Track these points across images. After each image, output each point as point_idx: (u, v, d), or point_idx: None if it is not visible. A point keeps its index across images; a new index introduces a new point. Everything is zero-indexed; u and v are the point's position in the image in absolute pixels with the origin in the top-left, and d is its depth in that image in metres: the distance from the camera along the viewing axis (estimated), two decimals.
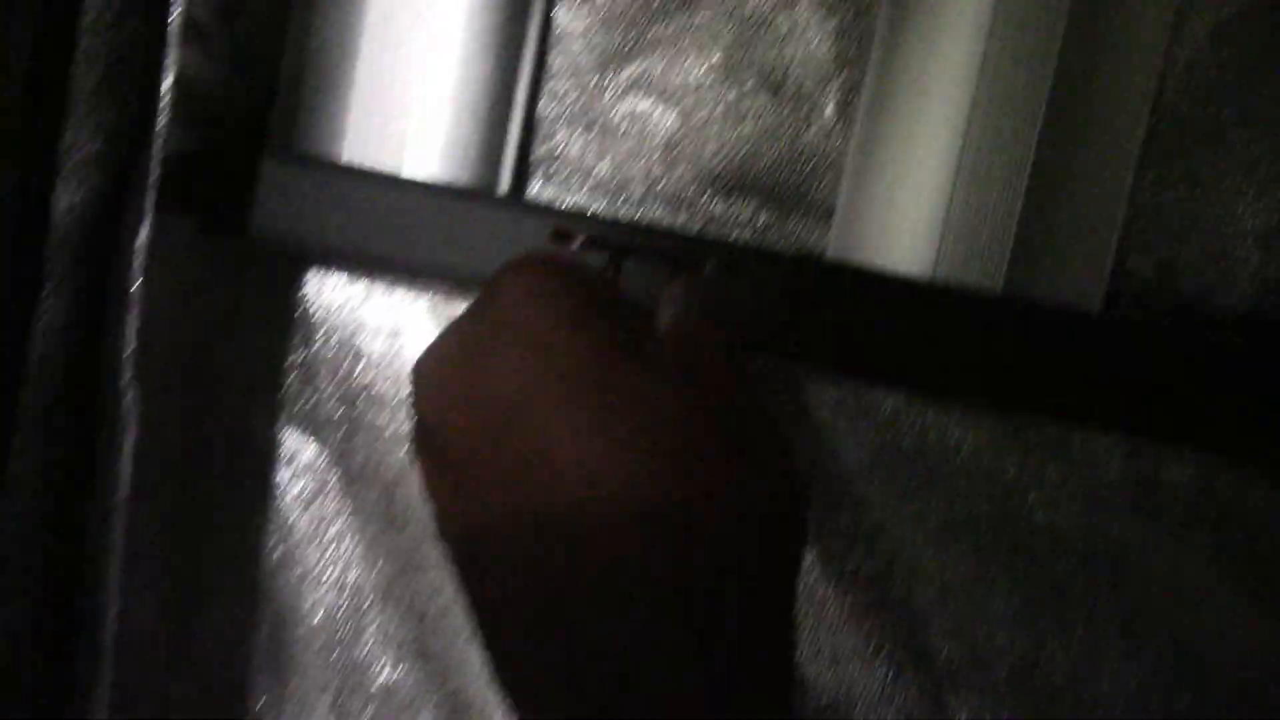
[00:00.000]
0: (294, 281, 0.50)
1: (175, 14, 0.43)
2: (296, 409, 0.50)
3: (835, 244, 0.43)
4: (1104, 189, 0.41)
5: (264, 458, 0.51)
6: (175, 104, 0.44)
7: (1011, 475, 0.44)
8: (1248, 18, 0.41)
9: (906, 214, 0.42)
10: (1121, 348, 0.39)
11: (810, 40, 0.44)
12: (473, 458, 0.29)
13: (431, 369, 0.31)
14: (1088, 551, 0.43)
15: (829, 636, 0.46)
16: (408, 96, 0.45)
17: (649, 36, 0.45)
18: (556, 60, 0.46)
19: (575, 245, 0.42)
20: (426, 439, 0.31)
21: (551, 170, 0.47)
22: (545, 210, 0.44)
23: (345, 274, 0.49)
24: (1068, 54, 0.40)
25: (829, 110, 0.44)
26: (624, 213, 0.46)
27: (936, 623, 0.45)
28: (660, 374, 0.29)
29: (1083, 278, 0.41)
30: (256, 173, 0.44)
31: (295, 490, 0.51)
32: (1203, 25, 0.41)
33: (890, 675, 0.46)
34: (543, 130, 0.46)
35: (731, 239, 0.45)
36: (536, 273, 0.31)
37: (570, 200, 0.46)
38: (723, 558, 0.27)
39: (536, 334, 0.29)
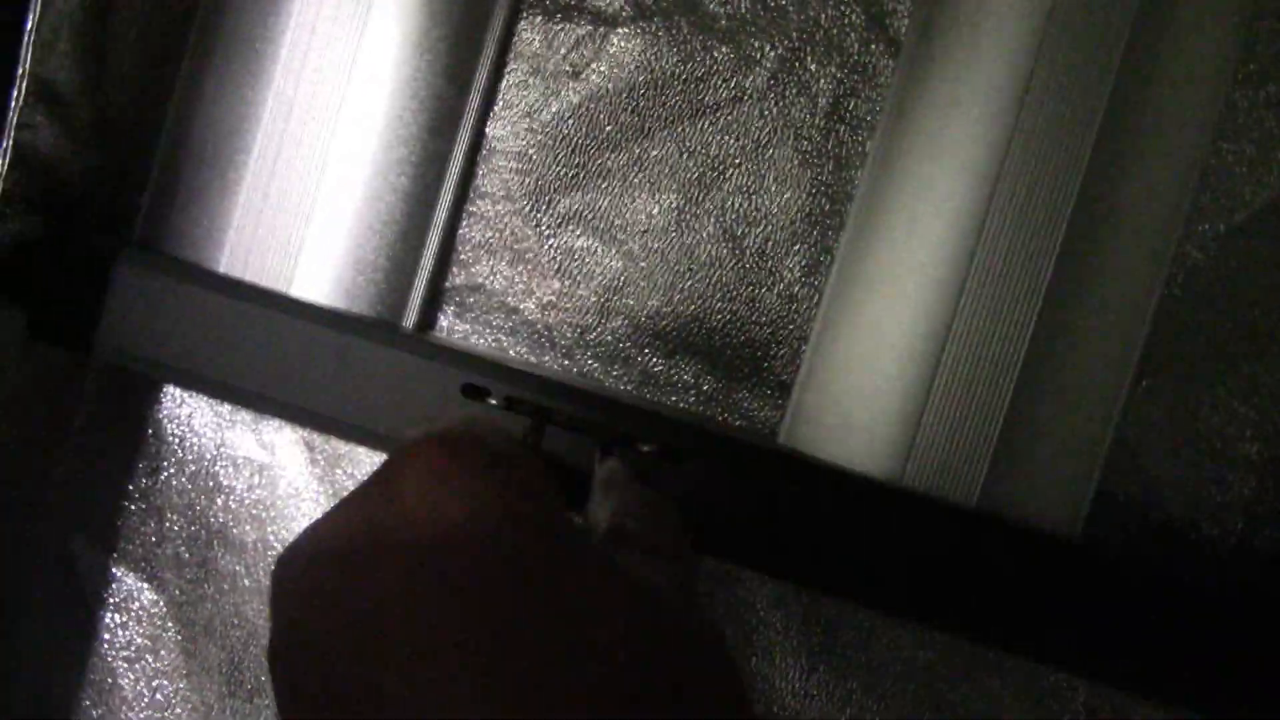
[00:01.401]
0: (144, 396, 0.42)
1: (20, 69, 0.35)
2: (134, 546, 0.42)
3: (788, 428, 0.38)
4: (1095, 400, 0.36)
5: (91, 599, 0.42)
6: (14, 180, 0.36)
7: (959, 695, 0.39)
8: (1260, 221, 0.37)
9: (873, 405, 0.36)
10: (1098, 583, 0.35)
11: (781, 192, 0.38)
12: (338, 695, 0.22)
13: (300, 571, 0.24)
14: None
15: None
16: (306, 204, 0.38)
17: (596, 165, 0.39)
18: (486, 181, 0.39)
19: (491, 404, 0.35)
20: (285, 656, 0.24)
21: (468, 303, 0.40)
22: (454, 354, 0.37)
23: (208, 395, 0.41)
24: (1068, 247, 0.36)
25: (795, 273, 0.38)
26: (548, 362, 0.40)
27: None
28: (604, 600, 0.23)
29: (1064, 496, 0.37)
30: (109, 274, 0.36)
31: (124, 640, 0.42)
32: (1212, 227, 0.37)
33: None
34: (462, 256, 0.40)
35: (672, 407, 0.39)
36: (441, 459, 0.24)
37: (487, 341, 0.40)
38: None
39: (437, 544, 0.22)
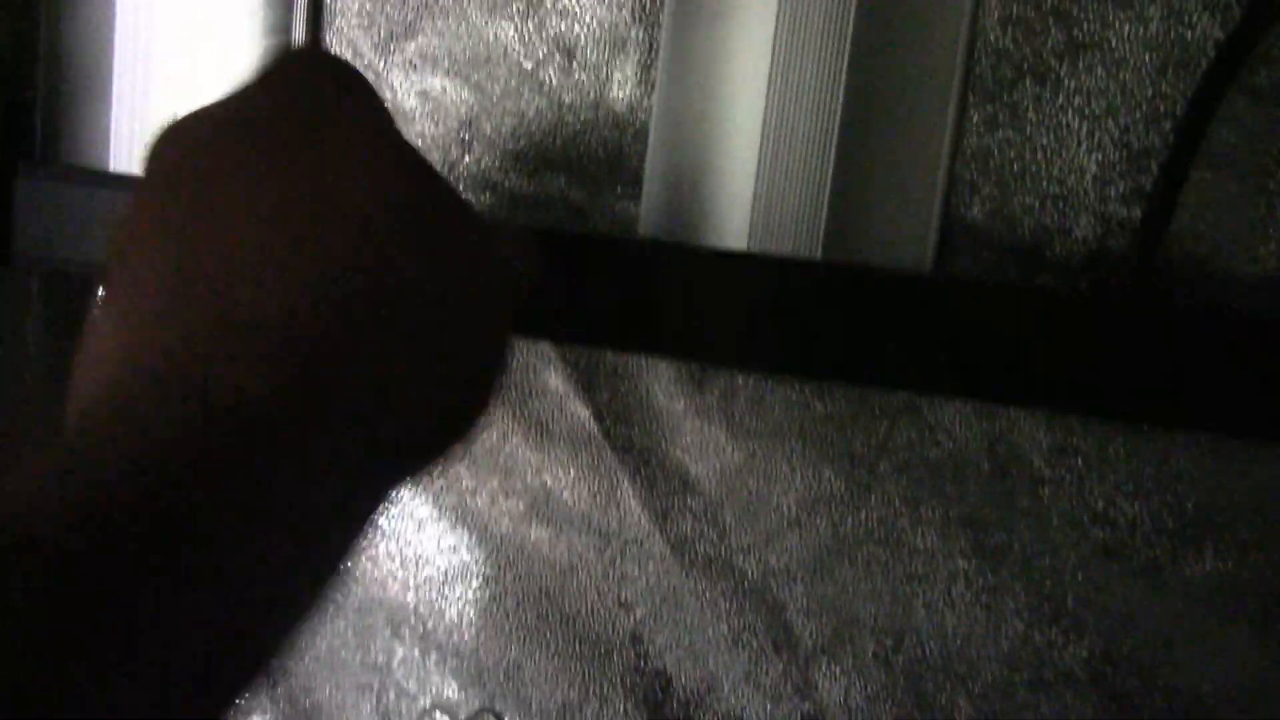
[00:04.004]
0: (85, 300, 0.46)
1: None
2: None
3: (645, 220, 0.40)
4: (923, 136, 0.38)
5: None
6: None
7: (859, 444, 0.41)
8: None
9: (711, 183, 0.39)
10: (954, 308, 0.37)
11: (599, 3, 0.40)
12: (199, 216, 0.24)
13: (172, 134, 0.25)
14: (944, 518, 0.41)
15: (685, 626, 0.44)
16: (171, 94, 0.41)
17: (431, 5, 0.41)
18: (332, 43, 0.42)
19: None
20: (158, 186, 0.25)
21: None
22: None
23: None
24: None
25: (628, 72, 0.40)
26: None
27: (796, 603, 0.43)
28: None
29: (908, 234, 0.39)
30: (11, 187, 0.40)
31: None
32: None
33: (753, 659, 0.44)
34: None
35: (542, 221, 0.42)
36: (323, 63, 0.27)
37: None
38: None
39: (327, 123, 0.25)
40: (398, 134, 0.27)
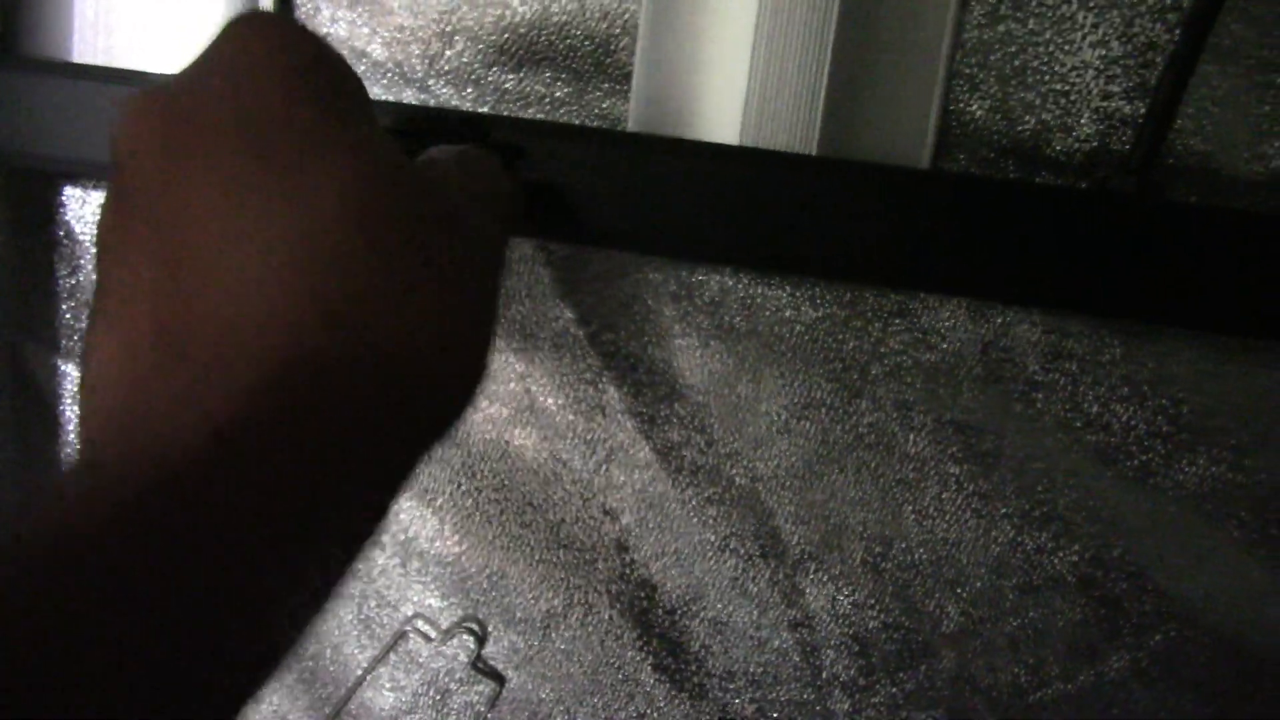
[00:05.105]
0: (47, 200, 0.44)
1: None
2: (74, 342, 0.45)
3: (633, 115, 0.39)
4: (922, 27, 0.37)
5: (49, 398, 0.46)
6: None
7: (851, 348, 0.41)
8: None
9: (707, 77, 0.37)
10: (951, 205, 0.36)
11: None
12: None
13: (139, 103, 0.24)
14: (936, 422, 0.41)
15: (671, 533, 0.43)
16: None
17: None
18: None
19: None
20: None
21: None
22: None
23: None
24: None
25: None
26: (407, 97, 0.41)
27: (784, 510, 0.42)
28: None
29: (905, 129, 0.37)
30: None
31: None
32: None
33: (740, 566, 0.43)
34: (300, 12, 0.41)
35: (527, 115, 0.40)
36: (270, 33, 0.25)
37: None
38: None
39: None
40: (361, 108, 0.26)
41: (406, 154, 0.30)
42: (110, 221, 0.24)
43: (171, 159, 0.23)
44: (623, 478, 0.43)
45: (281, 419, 0.21)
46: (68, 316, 0.45)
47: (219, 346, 0.22)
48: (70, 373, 0.46)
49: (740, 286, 0.41)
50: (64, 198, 0.44)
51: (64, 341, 0.46)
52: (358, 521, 0.24)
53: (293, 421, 0.21)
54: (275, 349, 0.21)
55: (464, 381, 0.26)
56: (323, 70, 0.25)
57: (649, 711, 0.45)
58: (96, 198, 0.44)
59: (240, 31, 0.25)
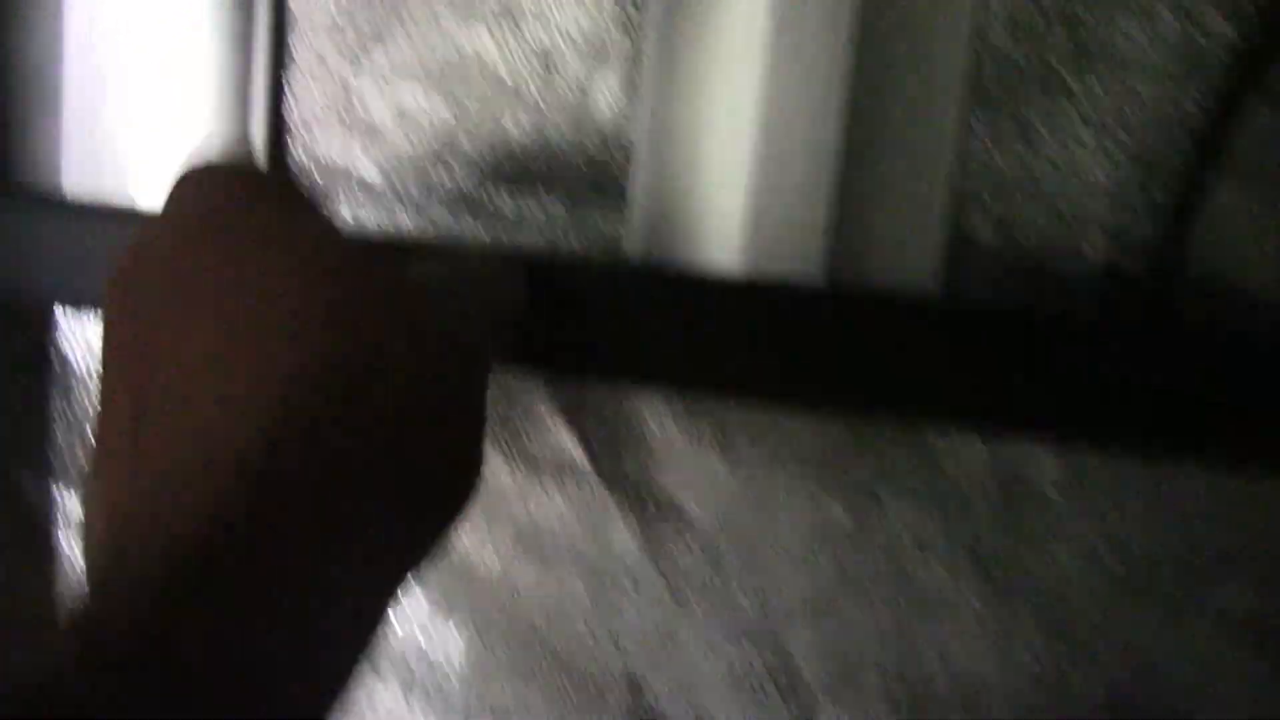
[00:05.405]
0: (40, 324, 0.44)
1: None
2: (70, 466, 0.44)
3: (630, 239, 0.38)
4: (926, 150, 0.36)
5: (43, 522, 0.45)
6: None
7: (864, 478, 0.39)
8: None
9: (706, 198, 0.36)
10: (959, 332, 0.35)
11: (578, 5, 0.38)
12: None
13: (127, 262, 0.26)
14: (952, 554, 0.39)
15: (686, 664, 0.42)
16: (127, 115, 0.39)
17: (401, 12, 0.39)
18: (300, 53, 0.40)
19: None
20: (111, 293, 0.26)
21: (311, 180, 0.41)
22: None
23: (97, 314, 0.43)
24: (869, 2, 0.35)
25: (611, 81, 0.38)
26: (403, 221, 0.40)
27: (800, 641, 0.41)
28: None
29: (912, 253, 0.36)
30: None
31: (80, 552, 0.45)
32: None
33: (757, 700, 0.41)
34: (295, 139, 0.40)
35: (525, 241, 0.39)
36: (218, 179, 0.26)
37: (341, 213, 0.41)
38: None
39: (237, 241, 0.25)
40: (325, 233, 0.25)
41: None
42: (104, 365, 0.25)
43: (127, 320, 0.24)
44: (632, 609, 0.42)
45: (261, 537, 0.21)
46: (60, 442, 0.44)
47: (184, 490, 0.21)
48: (66, 500, 0.45)
49: (747, 417, 0.39)
50: (54, 321, 0.43)
51: (58, 467, 0.45)
52: (354, 635, 0.23)
53: (275, 537, 0.21)
54: (246, 466, 0.22)
55: (444, 480, 0.25)
56: (264, 206, 0.25)
57: None
58: (85, 319, 0.43)
59: (180, 192, 0.26)
